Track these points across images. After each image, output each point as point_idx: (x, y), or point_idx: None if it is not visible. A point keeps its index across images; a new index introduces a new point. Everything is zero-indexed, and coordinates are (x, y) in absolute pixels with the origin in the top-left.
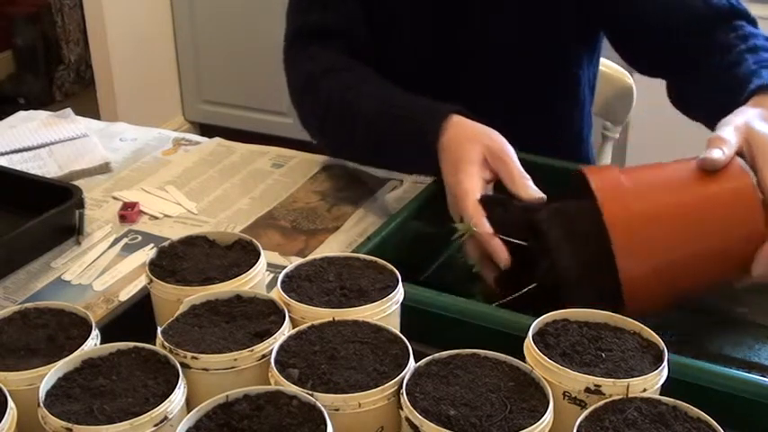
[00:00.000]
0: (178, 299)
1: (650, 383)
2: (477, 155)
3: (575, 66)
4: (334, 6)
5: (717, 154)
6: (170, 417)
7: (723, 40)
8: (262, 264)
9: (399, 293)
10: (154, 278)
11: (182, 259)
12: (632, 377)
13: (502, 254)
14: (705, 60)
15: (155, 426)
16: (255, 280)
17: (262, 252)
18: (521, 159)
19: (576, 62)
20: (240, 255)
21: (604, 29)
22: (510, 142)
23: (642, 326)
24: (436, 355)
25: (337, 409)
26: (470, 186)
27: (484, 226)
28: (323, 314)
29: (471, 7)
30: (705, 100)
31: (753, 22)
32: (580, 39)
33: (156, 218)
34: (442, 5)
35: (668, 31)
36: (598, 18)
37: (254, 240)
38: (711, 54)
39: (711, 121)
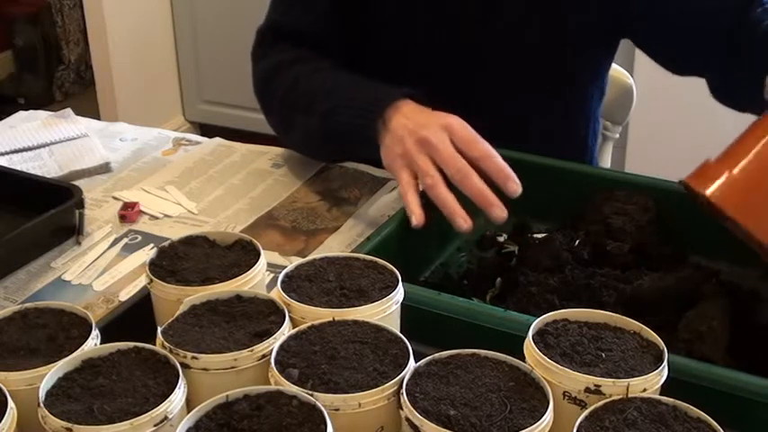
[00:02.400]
0: (178, 299)
1: (650, 383)
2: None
3: (585, 73)
4: (312, 11)
5: None
6: (170, 417)
7: (758, 16)
8: (262, 264)
9: (399, 293)
10: (154, 278)
11: (182, 259)
12: (632, 377)
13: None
14: (748, 43)
15: (155, 426)
16: (255, 280)
17: (262, 252)
18: (521, 160)
19: (588, 69)
20: (240, 255)
21: (632, 31)
22: (511, 145)
23: (642, 326)
24: (436, 355)
25: (337, 409)
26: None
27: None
28: (323, 314)
29: (472, 8)
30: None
31: None
32: (597, 43)
33: (156, 218)
34: (442, 7)
35: (702, 18)
36: (626, 19)
37: (253, 240)
38: (752, 34)
39: None
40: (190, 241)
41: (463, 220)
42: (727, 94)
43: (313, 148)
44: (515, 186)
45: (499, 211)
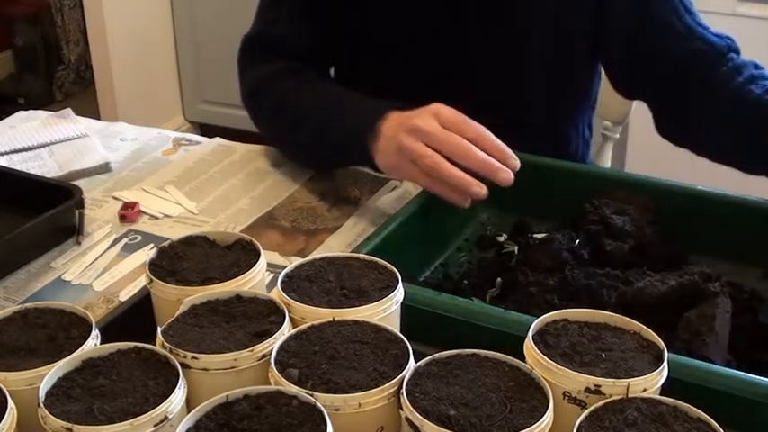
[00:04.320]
0: (178, 299)
1: (650, 383)
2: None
3: (574, 86)
4: (299, 27)
5: None
6: (170, 417)
7: (724, 74)
8: (262, 264)
9: (399, 293)
10: (154, 278)
11: (182, 259)
12: (632, 377)
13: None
14: (710, 93)
15: (155, 426)
16: (255, 280)
17: (262, 252)
18: (521, 161)
19: (576, 83)
20: (240, 255)
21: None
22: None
23: (642, 326)
24: (436, 355)
25: (337, 409)
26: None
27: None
28: (323, 314)
29: (462, 23)
30: (722, 135)
31: (738, 52)
32: (585, 58)
33: (156, 218)
34: (431, 18)
35: (678, 61)
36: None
37: (253, 240)
38: (714, 87)
39: (740, 155)
40: (190, 241)
41: (479, 187)
42: (679, 132)
43: (304, 161)
44: (515, 161)
45: (506, 174)
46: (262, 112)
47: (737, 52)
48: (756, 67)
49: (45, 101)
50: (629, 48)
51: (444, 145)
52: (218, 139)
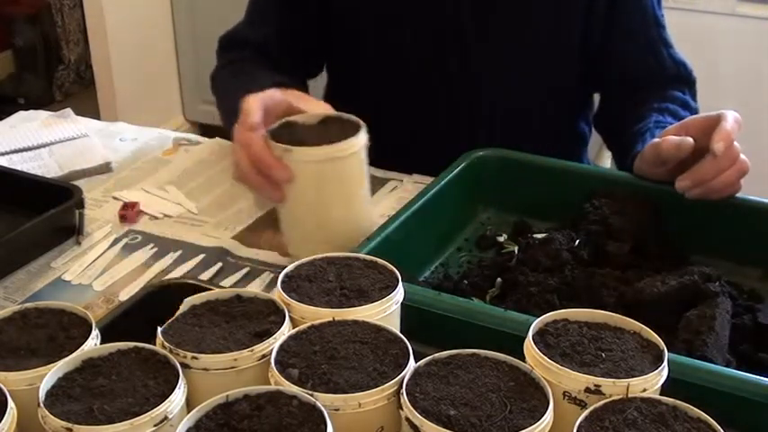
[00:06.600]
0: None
1: (650, 383)
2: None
3: (567, 89)
4: (262, 25)
5: None
6: (170, 417)
7: (652, 95)
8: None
9: (399, 293)
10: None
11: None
12: (632, 377)
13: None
14: (633, 110)
15: (155, 426)
16: (356, 147)
17: (362, 125)
18: (521, 160)
19: (570, 84)
20: (337, 127)
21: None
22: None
23: (642, 326)
24: (436, 355)
25: (337, 409)
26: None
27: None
28: (323, 314)
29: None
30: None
31: (690, 84)
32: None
33: (156, 218)
34: (430, 18)
35: (628, 70)
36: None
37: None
38: (638, 104)
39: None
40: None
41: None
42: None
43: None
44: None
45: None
46: (214, 88)
47: (688, 84)
48: (684, 106)
49: (45, 101)
50: (595, 44)
51: None
52: (218, 140)
